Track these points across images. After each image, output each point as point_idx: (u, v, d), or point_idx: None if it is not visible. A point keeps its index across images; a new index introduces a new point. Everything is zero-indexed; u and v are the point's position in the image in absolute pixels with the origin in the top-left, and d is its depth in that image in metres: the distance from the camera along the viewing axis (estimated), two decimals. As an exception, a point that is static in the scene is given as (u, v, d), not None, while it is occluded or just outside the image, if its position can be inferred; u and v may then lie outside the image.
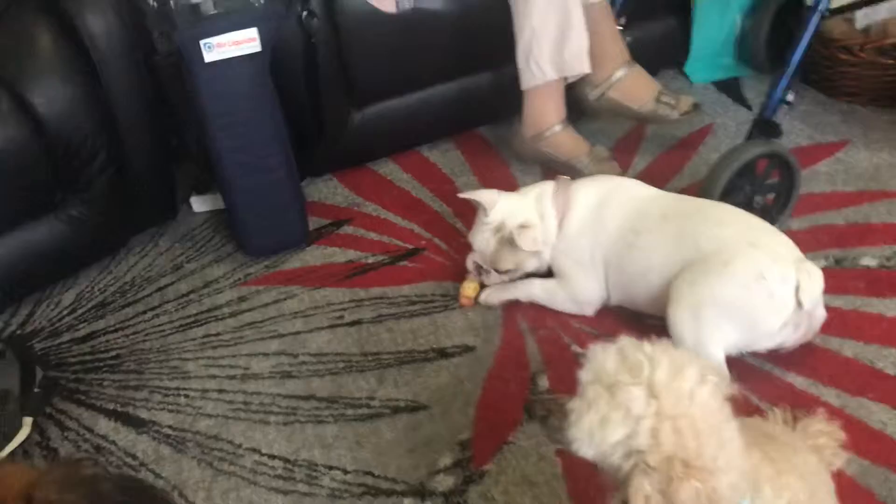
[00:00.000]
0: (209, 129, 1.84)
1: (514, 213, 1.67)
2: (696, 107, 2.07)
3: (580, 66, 1.94)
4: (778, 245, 1.48)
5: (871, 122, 2.14)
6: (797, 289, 1.42)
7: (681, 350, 0.85)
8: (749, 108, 2.27)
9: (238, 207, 1.93)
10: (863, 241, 1.76)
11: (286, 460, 1.47)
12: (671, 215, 1.58)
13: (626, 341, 0.86)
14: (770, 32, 2.32)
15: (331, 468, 1.44)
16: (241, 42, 1.78)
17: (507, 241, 1.67)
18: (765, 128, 1.71)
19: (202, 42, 1.75)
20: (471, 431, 1.47)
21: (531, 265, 1.72)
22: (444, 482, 1.38)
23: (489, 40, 2.08)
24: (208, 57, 1.76)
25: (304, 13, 1.92)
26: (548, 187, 1.71)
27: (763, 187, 1.74)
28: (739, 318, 1.43)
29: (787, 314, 1.43)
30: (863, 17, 2.15)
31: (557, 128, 2.00)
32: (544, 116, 2.00)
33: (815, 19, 1.68)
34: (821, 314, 1.48)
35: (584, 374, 0.85)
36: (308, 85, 2.03)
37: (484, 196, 1.69)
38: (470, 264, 1.77)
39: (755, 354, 1.50)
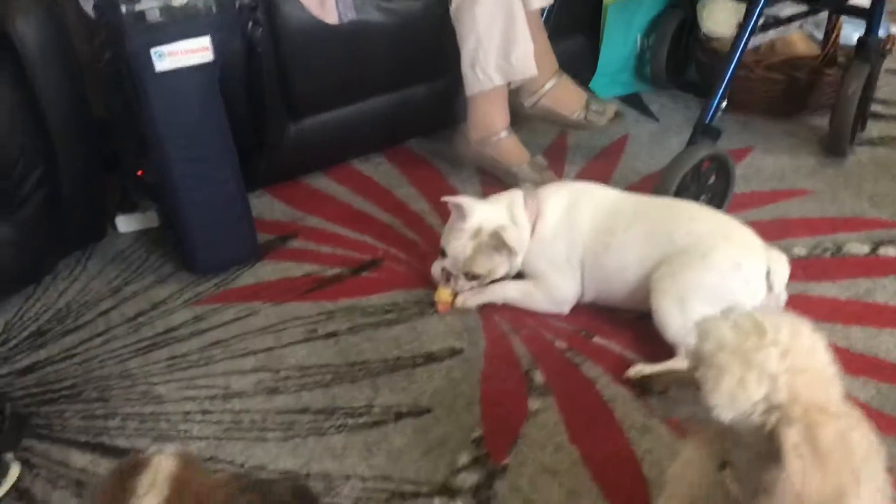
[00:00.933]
0: (158, 141, 1.75)
1: (489, 218, 1.71)
2: (618, 114, 2.22)
3: (527, 70, 2.00)
4: (746, 236, 1.62)
5: (767, 130, 2.36)
6: (768, 274, 1.56)
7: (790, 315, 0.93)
8: (656, 119, 2.45)
9: (188, 222, 1.84)
10: (788, 234, 1.94)
11: (298, 474, 1.42)
12: (642, 214, 1.69)
13: (736, 313, 0.93)
14: (668, 51, 2.52)
15: (348, 477, 1.40)
16: (194, 51, 1.72)
17: (483, 246, 1.71)
18: (706, 131, 1.86)
19: (153, 50, 1.67)
20: (481, 429, 1.49)
21: (502, 271, 1.76)
22: (468, 479, 1.39)
23: (426, 52, 2.13)
24: (159, 66, 1.69)
25: (250, 23, 1.88)
26: (517, 195, 1.76)
27: (706, 187, 1.88)
28: (721, 303, 1.52)
29: (761, 297, 1.56)
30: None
31: (503, 134, 2.06)
32: (491, 121, 2.06)
33: (745, 36, 1.85)
34: (784, 297, 1.63)
35: (707, 345, 0.90)
36: (250, 97, 1.98)
37: (464, 201, 1.72)
38: (437, 271, 1.79)
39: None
